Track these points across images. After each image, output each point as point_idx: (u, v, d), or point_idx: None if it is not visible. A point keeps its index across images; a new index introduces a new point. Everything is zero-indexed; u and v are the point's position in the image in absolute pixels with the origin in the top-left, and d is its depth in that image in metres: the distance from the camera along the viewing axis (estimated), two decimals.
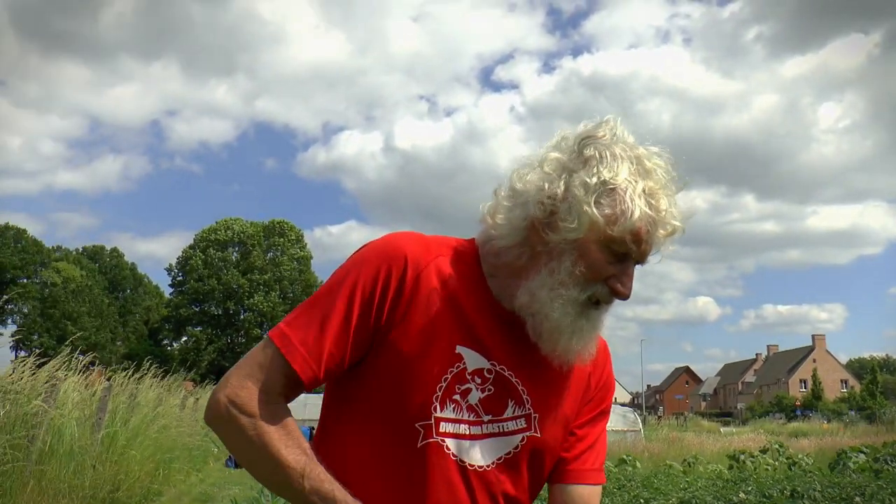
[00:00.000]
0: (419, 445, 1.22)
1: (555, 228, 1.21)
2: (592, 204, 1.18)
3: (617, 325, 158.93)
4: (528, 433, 1.28)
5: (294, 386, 1.23)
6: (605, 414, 1.42)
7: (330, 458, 1.24)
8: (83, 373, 9.26)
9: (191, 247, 59.67)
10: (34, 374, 7.20)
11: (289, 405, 1.26)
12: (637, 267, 1.27)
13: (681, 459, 13.91)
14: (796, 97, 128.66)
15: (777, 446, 14.96)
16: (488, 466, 1.25)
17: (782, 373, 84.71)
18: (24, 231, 65.12)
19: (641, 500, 7.46)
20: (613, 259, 1.22)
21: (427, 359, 1.23)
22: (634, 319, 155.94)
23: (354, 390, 1.28)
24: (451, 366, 1.24)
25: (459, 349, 1.25)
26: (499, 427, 1.26)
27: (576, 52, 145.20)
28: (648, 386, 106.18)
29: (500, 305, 1.29)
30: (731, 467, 12.60)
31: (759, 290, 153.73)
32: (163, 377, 12.74)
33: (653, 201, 1.20)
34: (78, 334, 12.22)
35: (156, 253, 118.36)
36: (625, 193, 1.18)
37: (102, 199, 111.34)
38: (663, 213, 1.20)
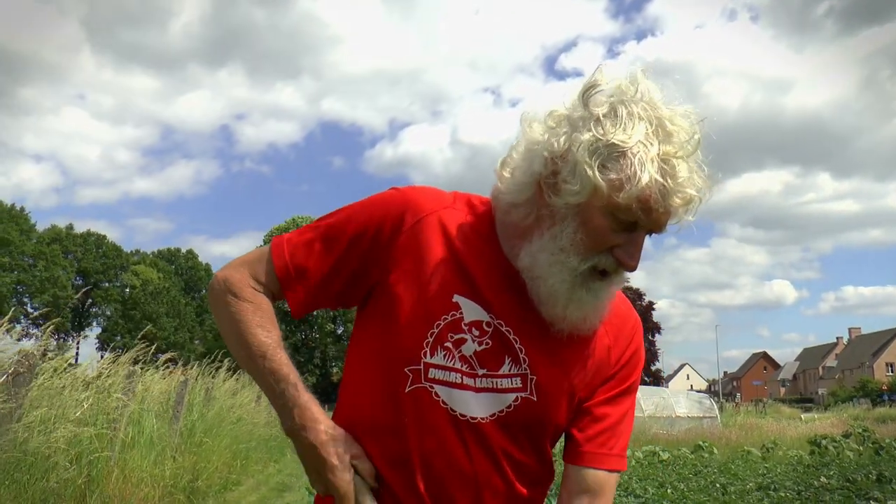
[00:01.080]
0: (407, 391, 1.23)
1: (557, 190, 1.15)
2: (596, 167, 1.10)
3: (690, 311, 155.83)
4: (522, 394, 1.23)
5: (277, 288, 1.31)
6: (628, 393, 1.33)
7: (341, 402, 1.32)
8: (162, 370, 9.57)
9: (262, 245, 61.10)
10: (115, 369, 7.46)
11: None
12: (664, 238, 1.19)
13: (759, 445, 13.57)
14: (873, 70, 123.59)
15: (861, 431, 14.44)
16: (483, 419, 1.22)
17: (866, 356, 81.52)
18: (104, 237, 67.66)
19: (718, 485, 7.28)
20: (620, 227, 1.13)
21: (421, 304, 1.23)
22: (708, 305, 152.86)
23: (360, 333, 1.32)
24: (445, 313, 1.23)
25: (457, 298, 1.23)
26: (493, 382, 1.23)
27: (640, 35, 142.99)
28: (725, 373, 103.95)
29: (508, 263, 1.26)
30: (812, 453, 12.23)
31: (838, 272, 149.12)
32: (237, 373, 13.05)
33: (667, 167, 1.09)
34: (146, 329, 12.60)
35: (229, 254, 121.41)
36: (634, 157, 1.08)
37: (176, 203, 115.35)
38: (681, 180, 1.10)
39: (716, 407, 20.17)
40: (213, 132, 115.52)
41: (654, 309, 60.73)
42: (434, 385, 1.22)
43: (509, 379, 1.23)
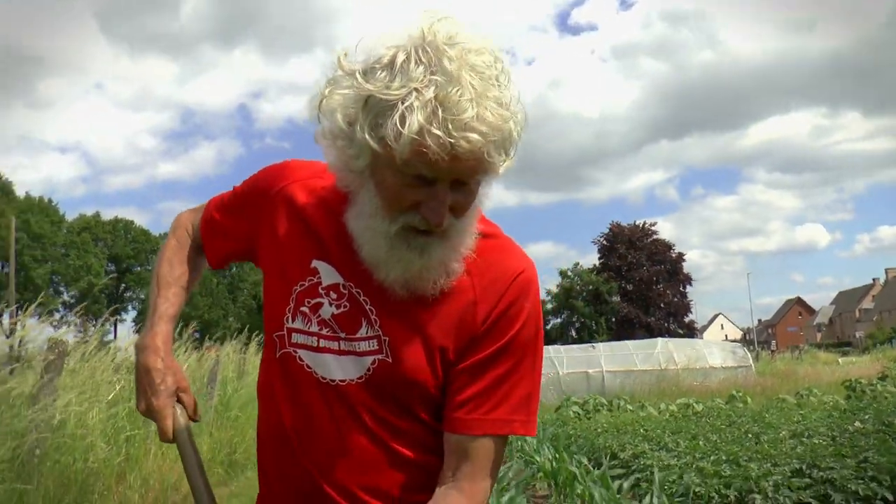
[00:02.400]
0: (277, 355, 1.28)
1: (345, 157, 1.12)
2: (367, 126, 1.05)
3: (722, 260, 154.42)
4: (379, 356, 1.20)
5: (199, 236, 1.48)
6: (506, 353, 1.19)
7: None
8: (197, 348, 9.73)
9: None
10: None
11: None
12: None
13: (794, 393, 13.48)
14: None
15: None
16: (342, 382, 1.22)
17: None
18: (132, 222, 68.54)
19: (750, 435, 7.26)
20: (416, 183, 1.06)
21: (284, 271, 1.27)
22: (740, 253, 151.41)
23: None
24: (303, 278, 1.24)
25: (315, 263, 1.24)
26: (353, 346, 1.21)
27: None
28: (759, 320, 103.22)
29: None
30: (848, 398, 12.12)
31: (872, 212, 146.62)
32: None
33: (444, 111, 0.99)
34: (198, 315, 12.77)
35: None
36: (403, 106, 1.00)
37: (201, 184, 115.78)
38: (465, 121, 0.99)
39: (749, 356, 20.04)
40: (231, 112, 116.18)
41: (684, 260, 60.32)
42: (297, 350, 1.24)
43: (366, 342, 1.21)
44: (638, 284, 58.24)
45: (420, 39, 1.05)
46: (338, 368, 1.22)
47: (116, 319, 57.74)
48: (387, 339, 1.20)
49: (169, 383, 1.29)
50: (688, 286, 60.20)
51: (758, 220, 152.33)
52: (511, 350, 1.20)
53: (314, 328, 1.23)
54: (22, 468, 4.45)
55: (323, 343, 1.22)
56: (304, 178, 1.31)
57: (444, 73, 1.01)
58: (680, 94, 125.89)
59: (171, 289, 1.41)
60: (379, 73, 1.04)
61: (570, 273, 60.50)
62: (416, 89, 1.00)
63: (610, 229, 60.44)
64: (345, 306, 1.22)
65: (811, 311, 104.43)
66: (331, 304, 1.22)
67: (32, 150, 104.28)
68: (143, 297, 65.07)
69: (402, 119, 1.00)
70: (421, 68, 1.01)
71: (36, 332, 5.82)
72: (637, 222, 60.83)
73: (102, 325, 7.87)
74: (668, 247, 59.89)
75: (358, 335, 1.21)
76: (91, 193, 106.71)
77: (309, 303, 1.23)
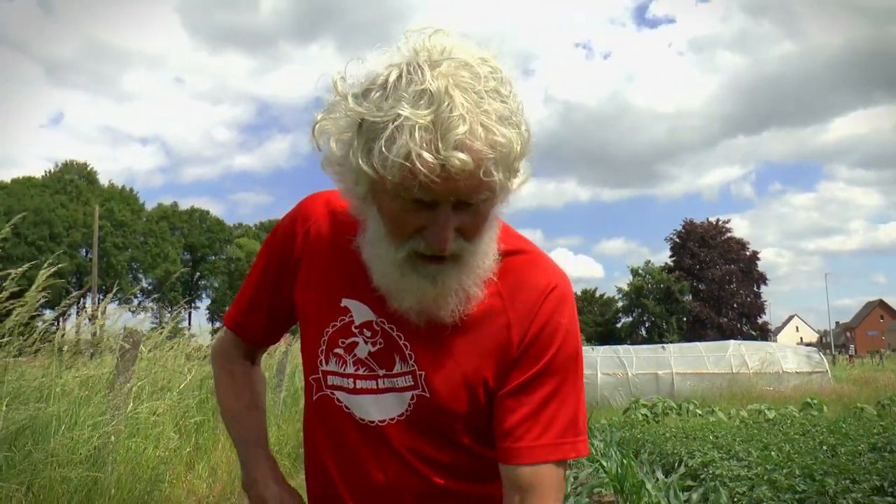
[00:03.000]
0: (314, 398, 1.26)
1: (347, 185, 1.09)
2: (360, 151, 1.00)
3: (798, 259, 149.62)
4: (415, 391, 1.17)
5: (240, 343, 1.42)
6: (548, 374, 1.14)
7: None
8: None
9: None
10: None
11: None
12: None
13: (874, 402, 12.93)
14: None
15: None
16: (382, 422, 1.19)
17: None
18: (208, 212, 70.56)
19: (826, 447, 6.98)
20: (415, 207, 1.01)
21: (316, 312, 1.24)
22: (817, 252, 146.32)
23: None
24: (335, 318, 1.21)
25: (345, 302, 1.20)
26: (392, 383, 1.18)
27: None
28: (837, 323, 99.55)
29: None
30: None
31: None
32: None
33: (435, 131, 0.94)
34: None
35: None
36: (392, 128, 0.96)
37: (274, 176, 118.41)
38: (457, 140, 0.94)
39: (825, 361, 19.32)
40: (306, 105, 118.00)
41: (758, 259, 58.76)
42: (335, 391, 1.22)
43: (402, 377, 1.17)
44: (710, 283, 57.00)
45: (413, 56, 1.00)
46: (377, 409, 1.20)
47: (191, 307, 59.68)
48: (422, 373, 1.17)
49: None
50: (762, 286, 58.63)
51: (838, 218, 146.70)
52: (551, 371, 1.15)
53: (350, 369, 1.21)
54: (98, 454, 4.60)
55: (360, 384, 1.20)
56: (322, 216, 1.27)
57: (433, 90, 0.95)
58: (758, 88, 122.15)
59: (246, 415, 1.41)
60: (373, 94, 1.01)
61: (641, 271, 59.69)
62: (404, 111, 0.95)
63: (683, 227, 59.26)
64: (380, 343, 1.19)
65: (894, 315, 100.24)
66: (366, 343, 1.19)
67: (115, 140, 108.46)
68: (216, 285, 66.99)
69: (390, 142, 0.96)
70: (411, 88, 0.97)
71: (114, 318, 6.03)
72: (710, 219, 59.50)
73: (177, 313, 8.09)
74: (742, 245, 58.43)
75: (394, 371, 1.18)
76: (169, 183, 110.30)
77: (343, 343, 1.21)
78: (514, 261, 1.17)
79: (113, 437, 4.86)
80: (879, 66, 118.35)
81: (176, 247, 65.41)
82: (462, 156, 0.94)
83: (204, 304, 67.47)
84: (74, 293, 4.73)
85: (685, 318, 56.70)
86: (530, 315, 1.15)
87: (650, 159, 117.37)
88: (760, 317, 58.66)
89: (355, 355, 1.20)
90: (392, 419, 1.19)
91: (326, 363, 1.23)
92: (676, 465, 6.85)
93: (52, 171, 60.51)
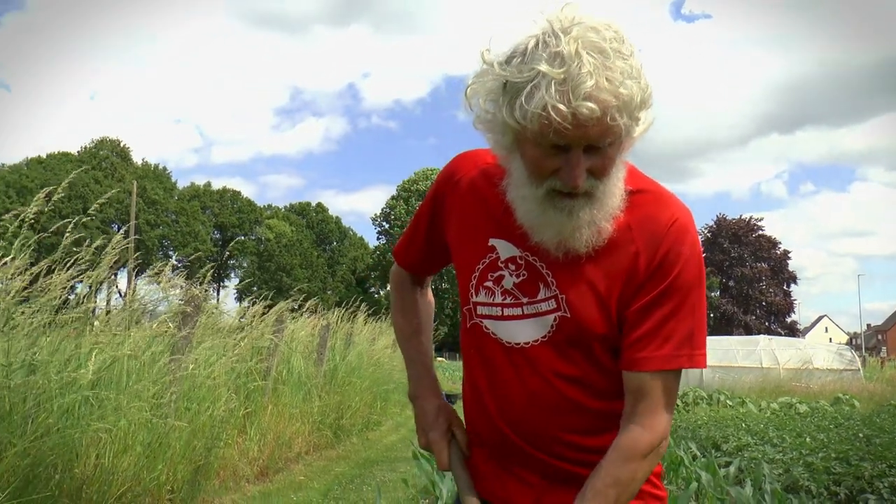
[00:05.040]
0: (468, 326, 1.46)
1: (495, 137, 1.29)
2: (506, 107, 1.20)
3: (829, 260, 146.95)
4: (558, 313, 1.34)
5: (405, 271, 1.71)
6: (669, 294, 1.30)
7: None
8: (306, 315, 10.16)
9: (394, 197, 63.32)
10: (265, 314, 8.01)
11: None
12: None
13: None
14: None
15: None
16: (527, 344, 1.37)
17: None
18: (239, 193, 71.24)
19: (861, 436, 7.06)
20: (553, 152, 1.21)
21: (467, 252, 1.45)
22: (849, 254, 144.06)
23: None
24: (483, 256, 1.41)
25: (492, 241, 1.40)
26: (536, 308, 1.36)
27: None
28: (868, 325, 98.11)
29: None
30: None
31: None
32: (374, 320, 13.60)
33: (567, 84, 1.13)
34: (298, 286, 13.34)
35: (358, 207, 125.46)
36: (531, 85, 1.15)
37: (306, 159, 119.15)
38: (586, 91, 1.12)
39: (858, 359, 19.24)
40: (340, 90, 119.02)
41: (789, 258, 58.13)
42: (483, 320, 1.42)
43: (546, 302, 1.35)
44: (740, 281, 56.55)
45: (548, 26, 1.18)
46: (522, 332, 1.38)
47: (220, 286, 60.35)
48: (563, 296, 1.34)
49: (442, 421, 1.54)
50: (792, 285, 58.08)
51: (871, 220, 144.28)
52: (672, 292, 1.30)
53: (498, 299, 1.39)
54: (168, 408, 4.84)
55: (507, 311, 1.38)
56: (472, 168, 1.47)
57: (565, 52, 1.13)
58: (794, 87, 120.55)
59: (414, 339, 1.68)
60: (514, 60, 1.20)
61: None
62: (541, 70, 1.14)
63: (715, 222, 58.79)
64: (524, 274, 1.37)
65: None
66: (511, 275, 1.38)
67: (150, 119, 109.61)
68: (245, 265, 67.64)
69: (530, 97, 1.15)
70: (546, 51, 1.15)
71: (147, 293, 6.13)
72: (743, 216, 58.94)
73: (205, 290, 8.26)
74: (773, 244, 57.85)
75: (538, 297, 1.36)
76: (201, 164, 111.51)
77: (492, 276, 1.40)
78: (641, 198, 1.34)
79: (174, 396, 5.10)
80: None
81: (206, 226, 66.21)
82: (591, 104, 1.12)
83: (232, 283, 68.23)
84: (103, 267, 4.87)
85: (712, 315, 56.37)
86: (655, 244, 1.31)
87: (682, 155, 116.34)
88: (789, 316, 58.19)
89: (502, 287, 1.39)
90: (536, 340, 1.36)
91: (476, 295, 1.42)
92: (712, 448, 6.98)
93: (87, 147, 61.40)
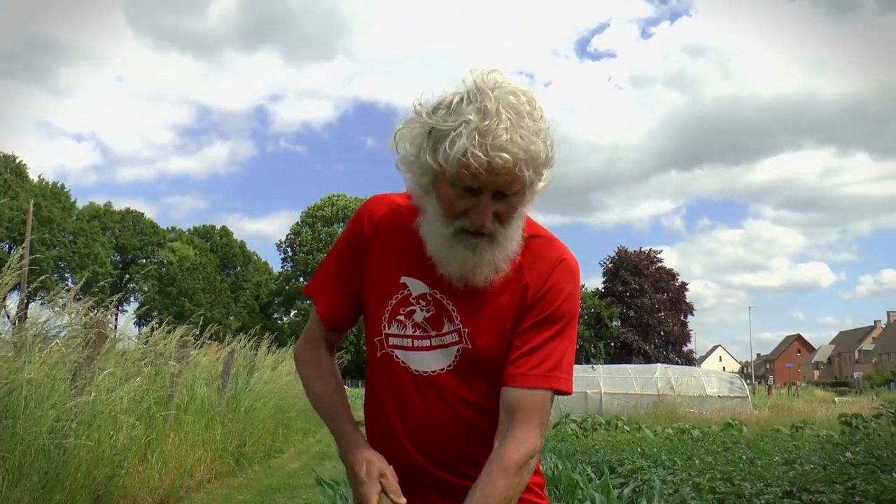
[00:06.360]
0: (378, 355, 1.58)
1: (415, 177, 1.45)
2: (429, 150, 1.37)
3: (724, 293, 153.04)
4: (460, 345, 1.51)
5: (320, 322, 1.67)
6: (549, 322, 1.48)
7: None
8: (203, 344, 10.01)
9: (298, 223, 62.58)
10: (167, 340, 7.88)
11: None
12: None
13: (789, 426, 13.67)
14: None
15: (894, 412, 14.46)
16: (434, 372, 1.52)
17: None
18: (142, 214, 69.09)
19: (745, 458, 7.51)
20: (466, 194, 1.37)
21: (380, 288, 1.57)
22: (742, 287, 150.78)
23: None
24: (396, 292, 1.55)
25: (404, 279, 1.55)
26: (441, 340, 1.52)
27: (673, 16, 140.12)
28: (758, 355, 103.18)
29: None
30: (842, 432, 12.32)
31: (876, 255, 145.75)
32: (276, 349, 13.51)
33: (484, 136, 1.29)
34: (198, 311, 13.12)
35: (263, 231, 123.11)
36: (454, 133, 1.31)
37: (212, 182, 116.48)
38: (500, 143, 1.29)
39: (747, 387, 20.25)
40: (248, 113, 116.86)
41: (686, 290, 60.47)
42: (394, 350, 1.55)
43: (450, 335, 1.51)
44: (639, 311, 58.41)
45: (473, 86, 1.36)
46: (430, 362, 1.52)
47: (118, 310, 58.12)
48: (465, 330, 1.51)
49: (372, 473, 1.52)
50: (689, 316, 60.43)
51: (762, 255, 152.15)
52: (554, 319, 1.48)
53: (409, 331, 1.53)
54: (64, 439, 4.73)
55: (416, 343, 1.53)
56: (388, 205, 1.61)
57: (486, 109, 1.31)
58: (693, 126, 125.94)
59: (336, 396, 1.67)
60: (441, 111, 1.37)
61: None
62: (464, 121, 1.31)
63: (617, 253, 60.69)
64: (432, 310, 1.52)
65: (810, 349, 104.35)
66: (422, 310, 1.53)
67: (49, 136, 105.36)
68: (146, 289, 65.37)
69: (452, 143, 1.31)
70: (471, 106, 1.32)
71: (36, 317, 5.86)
72: (643, 249, 61.07)
73: (102, 315, 8.09)
74: (672, 275, 60.11)
75: (444, 330, 1.52)
76: (103, 183, 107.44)
77: (403, 311, 1.54)
78: (534, 242, 1.53)
79: (75, 424, 4.99)
80: (808, 114, 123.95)
81: (106, 248, 63.78)
82: (504, 154, 1.30)
83: (132, 307, 65.75)
84: None
85: (613, 343, 57.97)
86: (543, 278, 1.50)
87: (586, 188, 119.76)
88: (686, 345, 60.38)
89: (413, 320, 1.53)
90: (442, 369, 1.52)
91: (389, 327, 1.55)
92: (607, 472, 7.27)
93: None
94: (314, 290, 1.67)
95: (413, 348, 1.54)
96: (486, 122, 1.30)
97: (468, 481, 1.46)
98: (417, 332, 1.53)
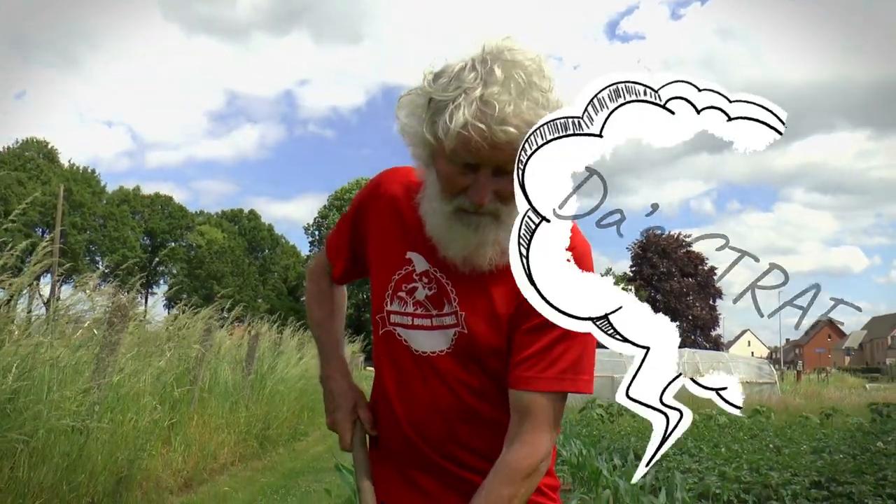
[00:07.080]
0: (381, 333, 1.52)
1: (415, 150, 1.38)
2: (427, 123, 1.29)
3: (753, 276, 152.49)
4: (457, 329, 1.43)
5: (330, 267, 1.69)
6: (549, 326, 1.27)
7: None
8: (231, 325, 10.06)
9: (326, 207, 62.97)
10: (193, 323, 7.92)
11: None
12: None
13: (818, 413, 13.48)
14: None
15: None
16: (433, 353, 1.45)
17: None
18: (171, 198, 69.59)
19: (772, 446, 7.40)
20: (464, 170, 1.28)
21: (384, 262, 1.51)
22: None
23: None
24: (400, 267, 1.48)
25: (409, 254, 1.47)
26: (441, 321, 1.44)
27: None
28: (787, 340, 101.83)
29: None
30: (873, 421, 12.13)
31: None
32: (303, 331, 13.54)
33: (486, 107, 1.20)
34: (224, 291, 13.17)
35: (291, 215, 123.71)
36: (453, 105, 1.23)
37: (240, 166, 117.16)
38: (503, 116, 1.20)
39: (775, 373, 20.00)
40: (277, 97, 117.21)
41: (715, 273, 59.88)
42: (396, 328, 1.49)
43: (449, 317, 1.43)
44: (667, 295, 57.95)
45: (479, 53, 1.27)
46: (429, 342, 1.45)
47: (148, 292, 58.88)
48: (463, 314, 1.43)
49: (347, 402, 1.59)
50: (717, 300, 59.84)
51: (793, 239, 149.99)
52: (550, 322, 1.32)
53: (410, 309, 1.46)
54: (86, 420, 4.76)
55: (416, 321, 1.46)
56: (395, 183, 1.53)
57: (491, 78, 1.22)
58: None
59: (326, 323, 1.72)
60: (441, 80, 1.28)
61: None
62: (465, 91, 1.22)
63: (646, 237, 60.19)
64: (434, 288, 1.45)
65: (841, 335, 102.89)
66: (424, 288, 1.45)
67: (82, 122, 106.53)
68: (175, 272, 66.16)
69: (451, 115, 1.22)
70: (473, 74, 1.23)
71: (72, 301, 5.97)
72: (672, 232, 60.51)
73: (133, 297, 8.15)
74: (700, 259, 59.51)
75: (443, 312, 1.45)
76: (133, 168, 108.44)
77: (406, 287, 1.47)
78: None
79: (97, 406, 5.02)
80: (842, 96, 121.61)
81: (136, 231, 64.50)
82: (508, 128, 1.21)
83: (161, 289, 66.59)
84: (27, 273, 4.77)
85: None
86: None
87: (611, 171, 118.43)
88: (714, 329, 59.86)
89: (415, 298, 1.46)
90: (442, 351, 1.45)
91: (391, 304, 1.48)
92: (633, 457, 7.20)
93: (11, 147, 59.22)
94: (330, 243, 1.69)
95: (413, 327, 1.47)
96: (489, 91, 1.21)
97: (469, 472, 1.44)
98: (418, 311, 1.46)
